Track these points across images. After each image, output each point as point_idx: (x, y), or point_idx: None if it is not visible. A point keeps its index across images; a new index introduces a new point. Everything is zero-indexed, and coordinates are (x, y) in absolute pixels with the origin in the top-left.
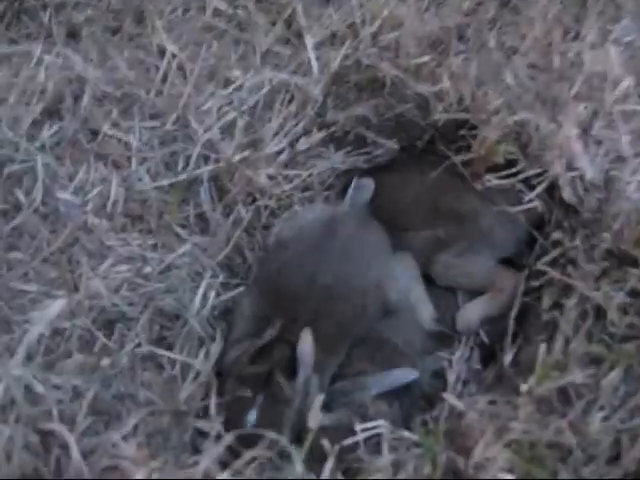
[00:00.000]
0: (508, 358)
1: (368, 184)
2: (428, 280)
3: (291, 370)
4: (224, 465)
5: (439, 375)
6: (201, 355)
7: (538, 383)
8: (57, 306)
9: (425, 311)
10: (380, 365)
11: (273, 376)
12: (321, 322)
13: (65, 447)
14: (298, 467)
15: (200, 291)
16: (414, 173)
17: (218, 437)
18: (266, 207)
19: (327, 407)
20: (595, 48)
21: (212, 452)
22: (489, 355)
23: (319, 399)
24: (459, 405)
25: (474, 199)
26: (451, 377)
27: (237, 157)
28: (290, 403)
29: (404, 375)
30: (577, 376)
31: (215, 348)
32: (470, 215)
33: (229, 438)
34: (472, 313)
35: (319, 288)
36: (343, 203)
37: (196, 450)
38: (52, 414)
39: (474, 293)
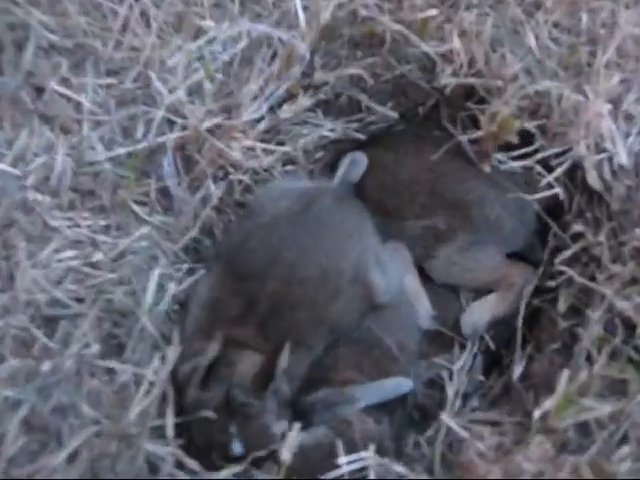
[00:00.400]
0: (518, 371)
1: (361, 160)
2: (424, 276)
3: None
4: None
5: (435, 383)
6: (155, 362)
7: (556, 415)
8: None
9: (420, 306)
10: (369, 374)
11: (233, 397)
12: (285, 307)
13: None
14: None
15: (152, 283)
16: (412, 150)
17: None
18: (240, 182)
19: (306, 419)
20: (630, 7)
21: None
22: (493, 361)
23: (294, 434)
24: (460, 432)
25: (481, 184)
26: (450, 392)
27: (207, 124)
28: (265, 411)
29: (397, 386)
30: (603, 408)
31: (172, 352)
32: (476, 203)
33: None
34: (479, 314)
35: (283, 266)
36: (332, 179)
37: (153, 470)
38: None
39: (478, 291)
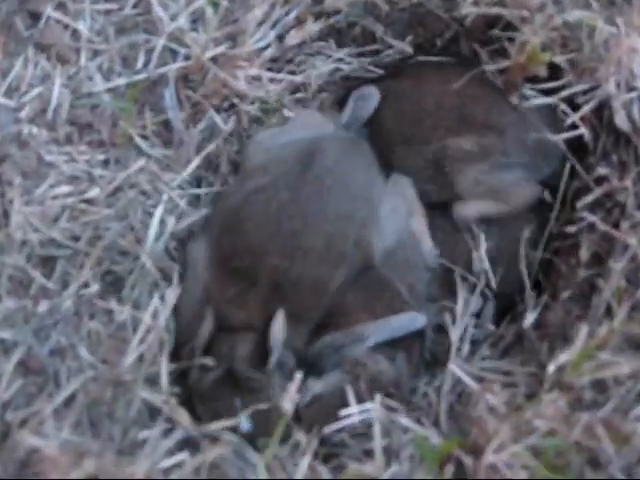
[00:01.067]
0: (530, 318)
1: (372, 94)
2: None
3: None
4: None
5: (443, 329)
6: (155, 301)
7: (572, 371)
8: None
9: (423, 244)
10: (381, 316)
11: (237, 373)
12: (287, 283)
13: None
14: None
15: (155, 220)
16: (434, 78)
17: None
18: (246, 113)
19: (317, 366)
20: None
21: (161, 445)
22: (506, 308)
23: (297, 379)
24: (469, 383)
25: (510, 110)
26: (454, 335)
27: (211, 53)
28: (271, 387)
29: (410, 321)
30: (623, 365)
31: (171, 293)
32: (511, 125)
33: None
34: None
35: (284, 238)
36: (342, 116)
37: (153, 417)
38: None
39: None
